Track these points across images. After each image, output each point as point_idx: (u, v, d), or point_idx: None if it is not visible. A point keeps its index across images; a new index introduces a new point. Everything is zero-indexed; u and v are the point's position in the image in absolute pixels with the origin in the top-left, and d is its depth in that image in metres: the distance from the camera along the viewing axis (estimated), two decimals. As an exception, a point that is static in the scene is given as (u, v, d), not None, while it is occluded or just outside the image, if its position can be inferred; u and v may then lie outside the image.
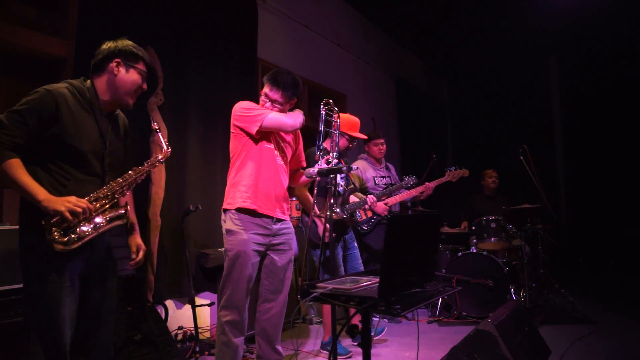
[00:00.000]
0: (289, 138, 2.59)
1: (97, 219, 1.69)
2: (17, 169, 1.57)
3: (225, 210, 2.41)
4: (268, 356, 2.43)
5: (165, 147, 1.96)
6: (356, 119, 3.41)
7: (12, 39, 2.80)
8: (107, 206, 1.74)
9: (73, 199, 1.61)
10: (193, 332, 3.19)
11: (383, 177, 4.11)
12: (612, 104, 7.22)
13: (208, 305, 3.37)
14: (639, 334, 3.67)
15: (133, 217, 1.99)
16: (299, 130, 2.62)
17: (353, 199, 3.43)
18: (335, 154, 2.33)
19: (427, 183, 3.92)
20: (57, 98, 1.67)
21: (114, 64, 1.81)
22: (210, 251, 3.42)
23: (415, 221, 1.73)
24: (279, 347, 2.47)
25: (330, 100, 2.43)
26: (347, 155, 3.62)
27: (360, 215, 3.82)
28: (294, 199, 3.47)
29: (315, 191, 2.55)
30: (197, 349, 3.07)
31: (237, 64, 4.15)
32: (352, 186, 3.50)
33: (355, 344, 3.43)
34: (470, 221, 5.03)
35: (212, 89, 3.87)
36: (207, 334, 3.53)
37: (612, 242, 6.94)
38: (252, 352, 3.14)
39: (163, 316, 3.14)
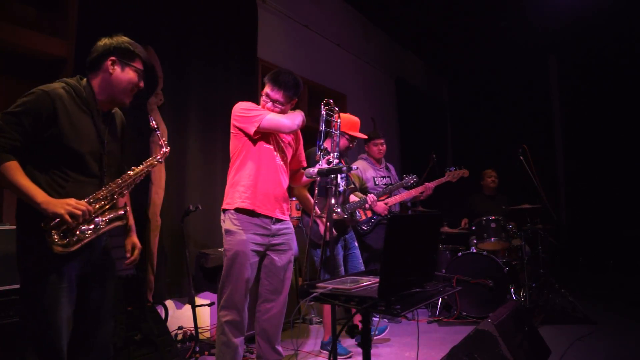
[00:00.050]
0: (289, 138, 2.59)
1: (97, 220, 1.68)
2: (15, 171, 1.56)
3: (224, 211, 2.42)
4: (268, 356, 2.43)
5: (163, 147, 1.93)
6: (356, 119, 3.41)
7: (12, 39, 2.80)
8: (107, 207, 1.73)
9: (72, 201, 1.60)
10: (193, 332, 3.19)
11: (383, 177, 4.12)
12: (612, 104, 7.22)
13: (208, 305, 3.37)
14: (639, 334, 3.67)
15: (130, 218, 1.97)
16: (299, 131, 2.63)
17: (353, 198, 3.44)
18: (336, 154, 2.33)
19: (426, 183, 3.92)
20: (54, 99, 1.64)
21: (109, 63, 1.77)
22: (210, 251, 3.42)
23: (415, 221, 1.74)
24: (279, 347, 2.47)
25: (331, 100, 2.43)
26: (348, 155, 3.62)
27: (360, 215, 3.83)
28: (293, 199, 3.47)
29: (316, 191, 2.55)
30: (197, 349, 3.07)
31: (237, 64, 4.15)
32: (352, 186, 3.50)
33: (356, 343, 3.44)
34: (470, 221, 5.03)
35: (212, 89, 3.87)
36: (207, 334, 3.53)
37: (612, 242, 6.94)
38: (252, 352, 3.14)
39: (163, 316, 3.14)
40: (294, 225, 2.78)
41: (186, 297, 3.35)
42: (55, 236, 1.57)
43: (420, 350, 3.30)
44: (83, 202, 1.63)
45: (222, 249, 2.42)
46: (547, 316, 4.06)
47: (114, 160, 1.86)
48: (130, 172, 1.81)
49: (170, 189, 3.41)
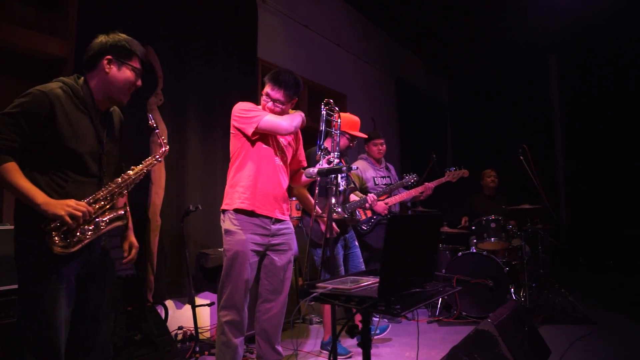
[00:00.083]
0: (289, 138, 2.59)
1: (97, 221, 1.67)
2: (14, 172, 1.55)
3: (223, 211, 2.42)
4: (268, 356, 2.43)
5: (163, 145, 1.91)
6: (356, 118, 3.41)
7: (12, 39, 2.80)
8: (107, 207, 1.72)
9: (72, 202, 1.59)
10: (193, 332, 3.19)
11: (383, 177, 4.12)
12: (612, 104, 7.23)
13: (208, 305, 3.37)
14: (639, 334, 3.67)
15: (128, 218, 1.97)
16: (299, 131, 2.63)
17: (353, 197, 3.44)
18: (336, 153, 2.33)
19: (426, 183, 3.92)
20: (51, 100, 1.62)
21: (105, 62, 1.74)
22: (210, 251, 3.42)
23: (415, 221, 1.74)
24: (279, 347, 2.47)
25: (331, 100, 2.43)
26: (348, 154, 3.62)
27: (360, 215, 3.83)
28: (293, 199, 3.47)
29: (316, 191, 2.55)
30: (197, 349, 3.06)
31: (237, 64, 4.15)
32: (352, 185, 3.50)
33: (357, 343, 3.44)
34: (470, 220, 5.03)
35: (212, 89, 3.87)
36: (207, 334, 3.53)
37: (612, 242, 6.94)
38: (252, 352, 3.14)
39: (163, 316, 3.14)
40: (294, 225, 2.78)
41: (186, 297, 3.35)
42: (56, 238, 1.57)
43: (420, 350, 3.30)
44: (83, 203, 1.63)
45: (222, 249, 2.43)
46: (547, 316, 4.06)
47: (113, 159, 1.85)
48: (130, 172, 1.80)
49: (170, 189, 3.41)
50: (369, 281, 1.64)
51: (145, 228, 3.23)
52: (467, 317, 4.15)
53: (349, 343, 3.43)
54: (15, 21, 2.87)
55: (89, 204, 1.66)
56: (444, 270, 4.28)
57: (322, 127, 2.37)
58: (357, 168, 3.78)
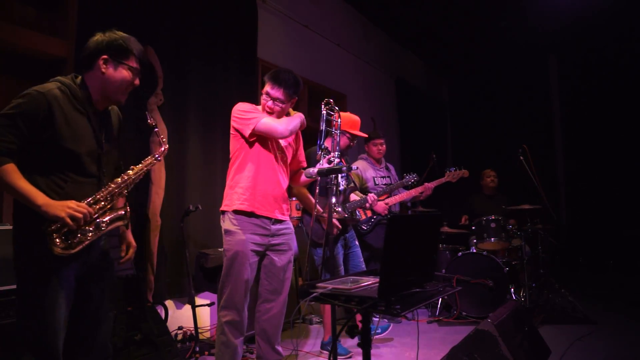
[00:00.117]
0: (289, 139, 2.59)
1: (98, 222, 1.67)
2: (13, 174, 1.54)
3: (223, 212, 2.42)
4: (268, 356, 2.43)
5: (162, 144, 1.90)
6: (357, 118, 3.41)
7: (12, 39, 2.80)
8: (107, 207, 1.72)
9: (73, 203, 1.58)
10: (193, 332, 3.19)
11: (383, 177, 4.12)
12: (612, 104, 7.23)
13: (208, 305, 3.37)
14: (639, 334, 3.67)
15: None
16: (299, 131, 2.62)
17: (353, 197, 3.44)
18: (336, 153, 2.33)
19: (426, 184, 3.92)
20: (49, 100, 1.61)
21: (101, 62, 1.71)
22: (210, 251, 3.42)
23: (415, 221, 1.73)
24: (279, 348, 2.47)
25: (331, 100, 2.42)
26: (348, 154, 3.62)
27: (360, 215, 3.83)
28: (293, 199, 3.47)
29: (317, 191, 2.55)
30: (197, 349, 3.06)
31: (237, 64, 4.15)
32: (352, 185, 3.50)
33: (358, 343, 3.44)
34: (470, 220, 5.03)
35: (212, 89, 3.87)
36: (207, 334, 3.53)
37: (612, 242, 6.94)
38: (252, 352, 3.14)
39: (163, 316, 3.14)
40: (294, 225, 2.77)
41: (186, 297, 3.35)
42: (57, 239, 1.57)
43: (420, 350, 3.29)
44: (84, 204, 1.62)
45: (222, 249, 2.43)
46: (547, 316, 4.06)
47: (112, 159, 1.85)
48: (130, 172, 1.80)
49: (170, 189, 3.41)
50: (369, 281, 1.64)
51: (145, 228, 3.23)
52: (467, 317, 4.15)
53: (349, 343, 3.43)
54: (15, 21, 2.86)
55: (90, 204, 1.65)
56: (444, 270, 4.28)
57: (322, 127, 2.37)
58: (357, 168, 3.78)
